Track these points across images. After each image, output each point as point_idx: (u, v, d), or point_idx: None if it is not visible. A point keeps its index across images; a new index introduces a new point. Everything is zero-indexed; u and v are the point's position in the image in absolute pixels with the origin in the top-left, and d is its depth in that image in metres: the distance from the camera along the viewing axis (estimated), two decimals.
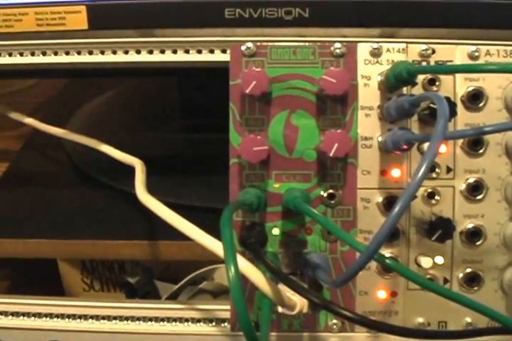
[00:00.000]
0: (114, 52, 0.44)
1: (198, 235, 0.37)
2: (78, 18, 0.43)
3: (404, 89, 0.41)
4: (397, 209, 0.29)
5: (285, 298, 0.36)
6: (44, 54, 0.44)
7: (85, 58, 0.44)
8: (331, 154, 0.38)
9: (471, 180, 0.41)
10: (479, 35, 0.42)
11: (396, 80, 0.39)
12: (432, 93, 0.40)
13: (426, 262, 0.41)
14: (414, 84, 0.41)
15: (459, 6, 0.43)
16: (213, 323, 0.44)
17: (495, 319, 0.34)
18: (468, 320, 0.42)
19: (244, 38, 0.42)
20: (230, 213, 0.32)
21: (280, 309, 0.37)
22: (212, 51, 0.43)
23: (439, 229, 0.40)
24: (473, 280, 0.42)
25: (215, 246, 0.35)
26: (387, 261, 0.33)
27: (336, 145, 0.38)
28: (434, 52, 0.41)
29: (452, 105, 0.40)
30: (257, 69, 0.38)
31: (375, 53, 0.41)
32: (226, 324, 0.44)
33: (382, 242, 0.29)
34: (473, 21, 0.43)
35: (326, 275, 0.37)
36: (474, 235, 0.41)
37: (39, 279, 0.62)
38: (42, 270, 0.63)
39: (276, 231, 0.41)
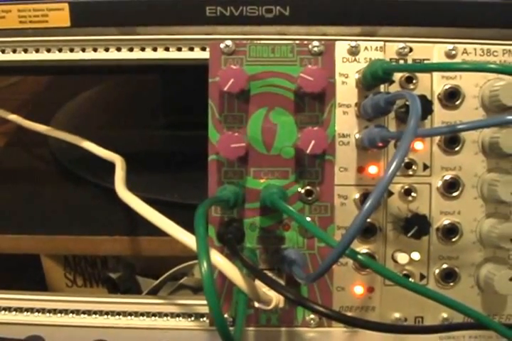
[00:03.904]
0: (95, 50, 0.44)
1: (174, 230, 0.37)
2: (61, 16, 0.44)
3: (382, 87, 0.41)
4: (368, 204, 0.29)
5: (261, 293, 0.36)
6: (26, 51, 0.45)
7: (67, 56, 0.44)
8: (308, 151, 0.38)
9: (448, 177, 0.42)
10: (457, 34, 0.43)
11: (372, 78, 0.39)
12: (405, 91, 0.40)
13: (402, 258, 0.41)
14: (391, 82, 0.41)
15: (439, 4, 0.43)
16: (192, 318, 0.45)
17: (468, 314, 0.35)
18: (445, 315, 0.42)
19: (225, 35, 0.43)
20: (205, 209, 0.33)
21: (256, 304, 0.38)
22: (192, 49, 0.44)
23: (415, 225, 0.40)
24: (449, 276, 0.42)
25: (191, 241, 0.35)
26: (359, 256, 0.33)
27: (313, 142, 0.38)
28: (411, 50, 0.42)
29: (428, 103, 0.41)
30: (235, 67, 0.38)
31: (353, 51, 0.42)
32: (205, 319, 0.44)
33: (354, 237, 0.30)
34: (451, 20, 0.43)
35: (301, 270, 0.37)
36: (450, 232, 0.42)
37: (23, 275, 0.63)
38: (26, 266, 0.63)
39: (254, 227, 0.41)
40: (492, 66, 0.34)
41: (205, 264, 0.29)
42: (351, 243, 0.30)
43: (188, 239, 0.36)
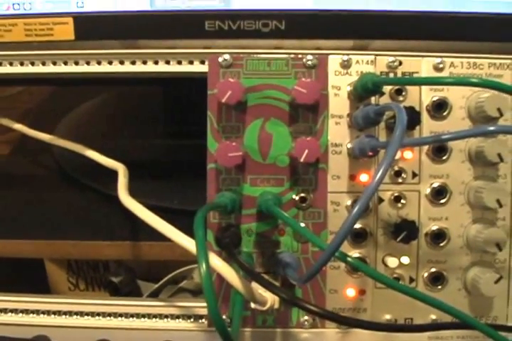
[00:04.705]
0: (99, 63, 0.46)
1: (174, 235, 0.39)
2: (65, 29, 0.45)
3: (373, 99, 0.43)
4: (356, 209, 0.31)
5: (257, 295, 0.37)
6: (32, 64, 0.46)
7: (72, 68, 0.46)
8: (302, 160, 0.40)
9: (436, 185, 0.44)
10: (445, 47, 0.45)
11: (363, 91, 0.41)
12: (392, 103, 0.42)
13: (392, 262, 0.43)
14: (381, 94, 0.43)
15: (428, 19, 0.45)
16: (191, 319, 0.46)
17: (455, 316, 0.36)
18: (433, 316, 0.44)
19: (224, 49, 0.44)
20: (203, 213, 0.34)
21: (253, 305, 0.39)
22: (191, 62, 0.45)
23: (404, 230, 0.42)
24: (437, 279, 0.44)
25: (191, 245, 0.37)
26: (351, 260, 0.35)
27: (307, 151, 0.40)
28: (401, 63, 0.44)
29: (416, 114, 0.42)
30: (232, 80, 0.40)
31: (345, 65, 0.43)
32: (203, 320, 0.46)
33: (343, 239, 0.32)
34: (439, 33, 0.45)
35: (295, 273, 0.39)
36: (438, 237, 0.44)
37: (26, 279, 0.63)
38: (29, 270, 0.64)
39: (250, 232, 0.43)
40: (473, 80, 0.36)
41: (203, 264, 0.31)
42: (341, 245, 0.32)
43: (187, 243, 0.37)
